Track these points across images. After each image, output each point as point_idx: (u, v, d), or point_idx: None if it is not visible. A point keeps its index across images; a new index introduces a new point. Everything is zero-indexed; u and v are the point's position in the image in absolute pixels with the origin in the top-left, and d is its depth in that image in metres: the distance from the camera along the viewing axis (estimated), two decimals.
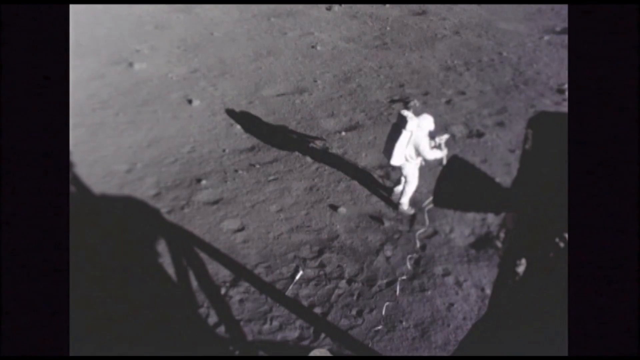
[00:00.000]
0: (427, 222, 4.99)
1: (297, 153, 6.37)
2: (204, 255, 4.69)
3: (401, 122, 4.69)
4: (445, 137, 4.98)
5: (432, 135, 4.97)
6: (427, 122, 4.77)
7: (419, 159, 4.93)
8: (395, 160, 4.81)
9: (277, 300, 4.18)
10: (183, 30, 11.20)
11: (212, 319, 4.02)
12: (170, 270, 4.50)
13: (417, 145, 4.73)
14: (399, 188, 5.35)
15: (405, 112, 4.69)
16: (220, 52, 9.98)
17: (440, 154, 4.82)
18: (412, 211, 5.18)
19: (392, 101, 7.68)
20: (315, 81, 8.52)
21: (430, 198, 5.14)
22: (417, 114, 5.08)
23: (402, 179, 5.15)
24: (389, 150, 4.82)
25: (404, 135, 4.66)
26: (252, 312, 4.07)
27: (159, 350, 3.74)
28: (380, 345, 3.76)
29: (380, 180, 5.75)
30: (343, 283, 4.33)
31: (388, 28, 11.07)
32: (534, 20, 10.85)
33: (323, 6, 12.67)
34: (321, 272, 4.46)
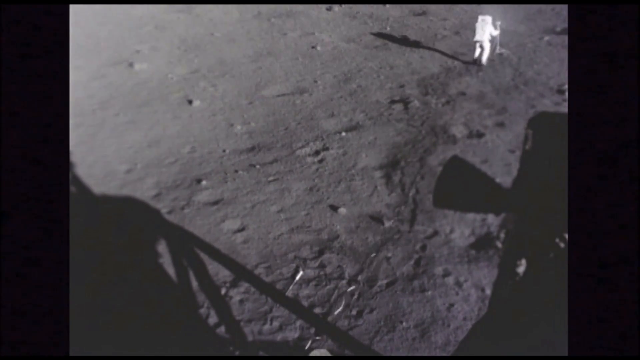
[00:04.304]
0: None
1: (297, 153, 6.37)
2: (204, 256, 4.69)
3: (484, 21, 8.43)
4: (499, 23, 8.75)
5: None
6: (491, 17, 8.58)
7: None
8: (485, 38, 8.42)
9: (277, 301, 4.18)
10: (183, 31, 11.21)
11: (212, 319, 4.02)
12: (171, 270, 4.50)
13: (490, 30, 8.45)
14: (477, 53, 8.72)
15: (483, 16, 8.51)
16: (220, 52, 9.99)
17: (498, 32, 8.70)
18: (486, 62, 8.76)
19: (392, 102, 7.68)
20: (316, 81, 8.52)
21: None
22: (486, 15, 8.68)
23: (479, 49, 8.63)
24: (481, 35, 8.38)
25: (489, 25, 8.41)
26: (252, 312, 4.07)
27: (159, 350, 3.74)
28: (380, 345, 3.76)
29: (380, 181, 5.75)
30: (343, 283, 4.33)
31: (388, 28, 11.07)
32: (534, 21, 10.85)
33: (323, 6, 12.67)
34: (321, 273, 4.46)
